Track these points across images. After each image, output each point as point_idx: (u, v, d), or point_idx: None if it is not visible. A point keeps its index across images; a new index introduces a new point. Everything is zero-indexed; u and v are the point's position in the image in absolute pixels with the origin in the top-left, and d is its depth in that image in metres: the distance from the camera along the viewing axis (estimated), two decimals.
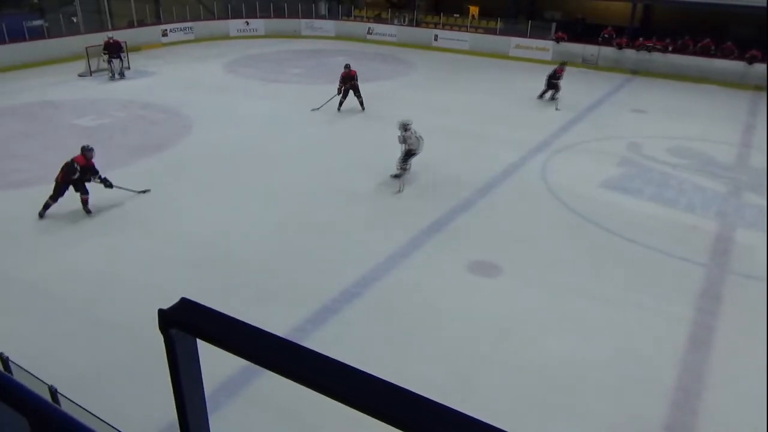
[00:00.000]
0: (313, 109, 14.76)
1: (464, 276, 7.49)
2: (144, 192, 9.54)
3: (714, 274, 7.85)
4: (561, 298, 7.07)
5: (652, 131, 14.07)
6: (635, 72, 21.01)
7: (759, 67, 19.39)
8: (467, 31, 24.57)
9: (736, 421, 5.33)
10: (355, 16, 27.71)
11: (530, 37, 23.23)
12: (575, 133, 13.71)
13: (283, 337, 1.11)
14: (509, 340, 6.31)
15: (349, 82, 14.43)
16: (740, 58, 19.78)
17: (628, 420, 5.29)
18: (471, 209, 9.49)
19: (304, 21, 26.84)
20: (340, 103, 14.66)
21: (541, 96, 16.66)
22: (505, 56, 23.18)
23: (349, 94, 14.54)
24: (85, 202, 8.78)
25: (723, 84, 19.56)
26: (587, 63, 21.84)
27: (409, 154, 10.14)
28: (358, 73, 14.55)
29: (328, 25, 26.94)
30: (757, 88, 18.96)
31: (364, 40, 25.97)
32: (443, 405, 0.93)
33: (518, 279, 7.47)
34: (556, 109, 15.71)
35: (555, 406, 5.41)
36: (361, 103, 14.77)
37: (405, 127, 10.03)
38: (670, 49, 20.90)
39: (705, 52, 20.47)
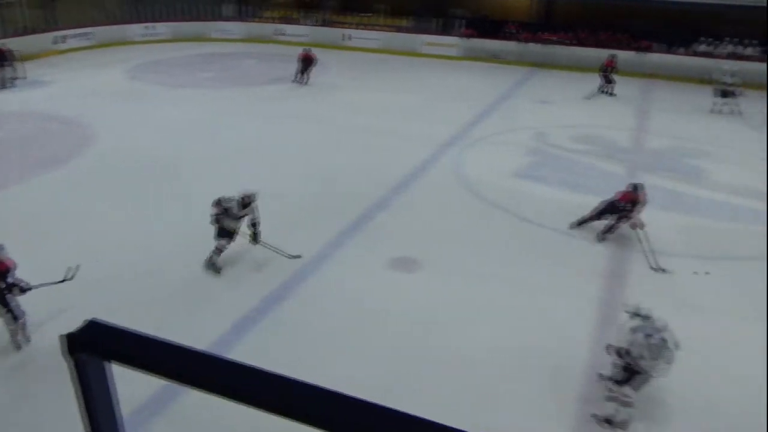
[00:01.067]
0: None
1: (386, 273, 7.59)
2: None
3: (618, 254, 8.36)
4: (481, 287, 7.32)
5: (557, 121, 14.78)
6: (540, 65, 21.95)
7: (650, 56, 20.80)
8: (378, 30, 24.80)
9: (650, 395, 5.71)
10: (264, 18, 27.24)
11: (439, 34, 23.77)
12: (486, 126, 14.18)
13: (204, 351, 1.10)
14: (434, 332, 6.46)
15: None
16: (633, 48, 21.14)
17: (552, 400, 5.56)
18: (389, 207, 9.61)
19: (212, 24, 26.10)
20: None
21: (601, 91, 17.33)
22: (416, 54, 23.56)
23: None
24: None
25: (619, 73, 20.78)
26: (497, 58, 22.59)
27: (223, 233, 7.37)
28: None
29: (238, 28, 26.32)
30: (650, 75, 20.31)
31: (275, 42, 25.61)
32: (373, 403, 0.94)
33: (439, 272, 7.65)
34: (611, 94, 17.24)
35: (485, 395, 5.59)
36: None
37: (244, 202, 7.36)
38: (570, 42, 22.03)
39: (602, 44, 21.69)
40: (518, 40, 22.58)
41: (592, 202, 9.85)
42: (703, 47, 20.75)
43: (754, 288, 7.46)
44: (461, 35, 23.46)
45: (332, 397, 0.95)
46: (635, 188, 8.52)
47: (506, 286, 7.35)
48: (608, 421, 5.17)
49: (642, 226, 8.17)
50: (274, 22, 26.50)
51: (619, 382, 5.10)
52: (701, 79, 18.46)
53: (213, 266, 7.41)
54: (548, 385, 5.73)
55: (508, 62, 22.33)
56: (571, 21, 23.24)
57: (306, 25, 25.97)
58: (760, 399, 5.55)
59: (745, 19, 20.55)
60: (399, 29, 24.70)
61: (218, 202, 7.25)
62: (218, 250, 7.40)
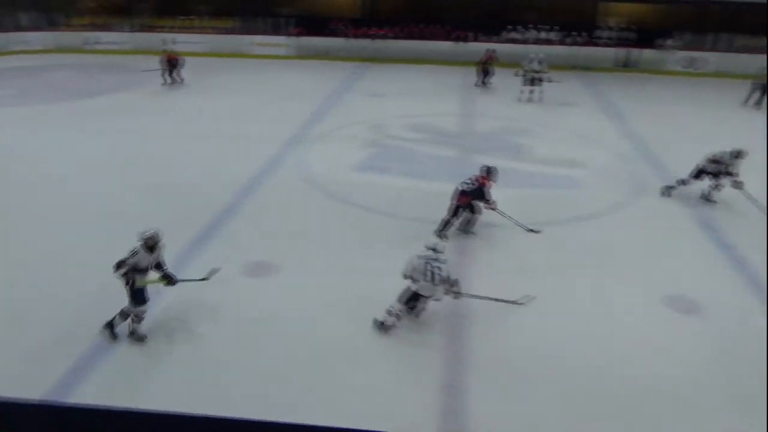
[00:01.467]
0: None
1: (244, 281, 7.42)
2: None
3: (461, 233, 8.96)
4: (340, 282, 7.43)
5: (391, 112, 15.39)
6: (370, 60, 22.64)
7: (466, 46, 22.38)
8: (203, 33, 23.91)
9: (493, 355, 6.22)
10: (72, 26, 24.97)
11: (268, 34, 23.53)
12: (324, 123, 14.36)
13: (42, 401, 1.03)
14: (299, 333, 6.45)
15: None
16: (452, 39, 22.63)
17: (423, 392, 5.84)
18: (239, 211, 9.39)
19: (10, 35, 23.38)
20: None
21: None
22: (245, 55, 23.12)
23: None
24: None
25: (441, 63, 22.14)
26: (328, 55, 22.87)
27: (140, 296, 6.17)
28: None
29: (42, 38, 23.87)
30: (466, 63, 21.85)
31: (90, 51, 23.64)
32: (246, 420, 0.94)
33: (297, 273, 7.63)
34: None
35: (350, 387, 5.71)
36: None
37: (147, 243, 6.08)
38: (396, 36, 23.01)
39: (425, 36, 22.95)
40: (347, 36, 23.09)
41: (432, 187, 10.43)
42: (512, 34, 22.76)
43: (577, 246, 8.42)
44: (290, 34, 23.43)
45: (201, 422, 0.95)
46: (488, 171, 8.69)
47: (363, 276, 7.53)
48: (382, 324, 6.44)
49: (494, 206, 8.52)
50: (84, 30, 24.43)
51: (404, 301, 6.37)
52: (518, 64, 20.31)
53: (140, 338, 6.24)
54: (410, 374, 6.00)
55: (339, 59, 22.75)
56: (395, 15, 24.25)
57: (123, 32, 24.28)
58: (592, 350, 6.31)
59: (548, 6, 22.97)
60: (225, 31, 24.04)
61: (122, 263, 5.99)
62: (139, 319, 6.21)
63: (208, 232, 8.66)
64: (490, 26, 22.90)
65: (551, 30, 22.56)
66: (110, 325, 6.24)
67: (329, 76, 20.06)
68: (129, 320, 6.24)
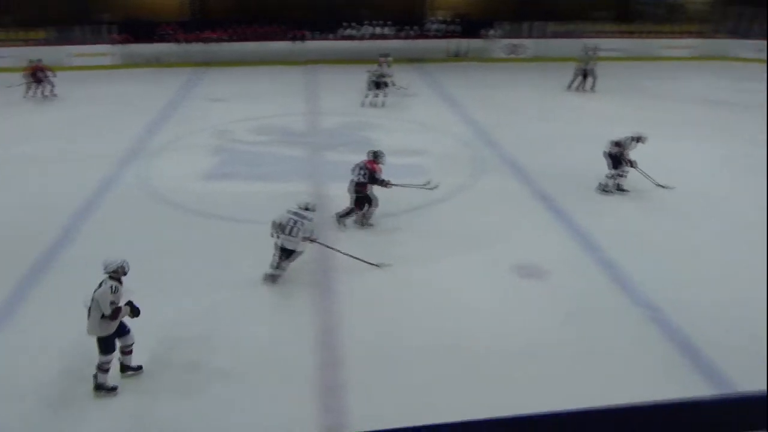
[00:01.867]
0: None
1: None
2: None
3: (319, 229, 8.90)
4: (201, 297, 7.02)
5: (233, 116, 14.90)
6: (206, 64, 21.74)
7: (304, 45, 22.35)
8: (11, 46, 21.41)
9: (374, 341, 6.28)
10: None
11: (88, 43, 21.66)
12: (164, 133, 13.55)
13: None
14: (184, 358, 6.00)
15: None
16: (289, 39, 22.43)
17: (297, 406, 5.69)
18: (77, 237, 8.51)
19: None
20: None
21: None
22: (64, 67, 21.04)
23: None
24: None
25: (281, 63, 21.88)
26: (159, 62, 21.57)
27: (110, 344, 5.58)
28: None
29: None
30: (308, 62, 21.83)
31: None
32: None
33: (159, 294, 7.07)
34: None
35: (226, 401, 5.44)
36: None
37: None
38: (229, 38, 22.29)
39: (262, 37, 22.51)
40: (177, 40, 21.97)
41: (286, 187, 10.25)
42: (348, 31, 23.10)
43: (431, 228, 8.76)
44: (113, 41, 21.78)
45: None
46: (375, 155, 8.89)
47: (226, 291, 7.19)
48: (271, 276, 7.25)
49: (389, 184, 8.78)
50: None
51: (282, 258, 7.19)
52: (358, 60, 20.66)
53: (109, 389, 5.49)
54: (282, 382, 5.85)
55: (172, 65, 21.60)
56: (227, 17, 23.50)
57: None
58: (450, 321, 6.59)
59: (379, 2, 23.61)
60: (38, 42, 21.73)
61: (118, 309, 5.31)
62: (105, 369, 5.46)
63: (40, 265, 7.76)
64: (326, 24, 23.06)
65: (385, 25, 23.23)
66: (99, 386, 5.48)
67: (163, 83, 18.96)
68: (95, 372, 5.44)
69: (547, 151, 12.28)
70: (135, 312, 5.46)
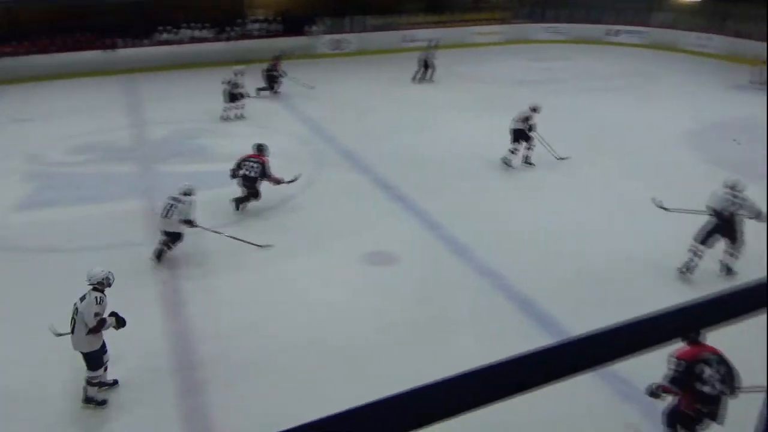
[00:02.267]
0: None
1: None
2: None
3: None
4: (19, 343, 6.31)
5: (47, 137, 13.45)
6: (6, 81, 19.28)
7: (116, 53, 20.75)
8: None
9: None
10: None
11: None
12: None
13: None
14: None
15: None
16: (99, 47, 20.67)
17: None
18: None
19: None
20: None
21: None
22: None
23: None
24: None
25: (93, 74, 20.13)
26: None
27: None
28: None
29: None
30: (123, 71, 20.33)
31: None
32: None
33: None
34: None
35: None
36: None
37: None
38: (28, 51, 19.98)
39: (70, 47, 20.44)
40: None
41: (116, 208, 9.55)
42: (164, 36, 21.88)
43: (283, 228, 8.69)
44: None
45: None
46: (259, 148, 9.23)
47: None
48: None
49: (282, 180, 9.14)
50: None
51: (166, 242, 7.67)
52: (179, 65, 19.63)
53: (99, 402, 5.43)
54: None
55: None
56: (21, 27, 20.96)
57: None
58: (306, 314, 6.64)
59: (195, 4, 22.56)
60: None
61: (104, 321, 5.23)
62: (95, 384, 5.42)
63: None
64: (140, 29, 21.59)
65: (204, 27, 22.35)
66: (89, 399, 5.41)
67: None
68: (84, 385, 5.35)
69: (382, 141, 12.74)
70: (120, 323, 5.36)
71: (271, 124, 14.16)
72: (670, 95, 16.98)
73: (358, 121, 14.46)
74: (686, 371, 4.36)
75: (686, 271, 7.32)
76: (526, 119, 10.84)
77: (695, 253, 7.23)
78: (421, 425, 0.79)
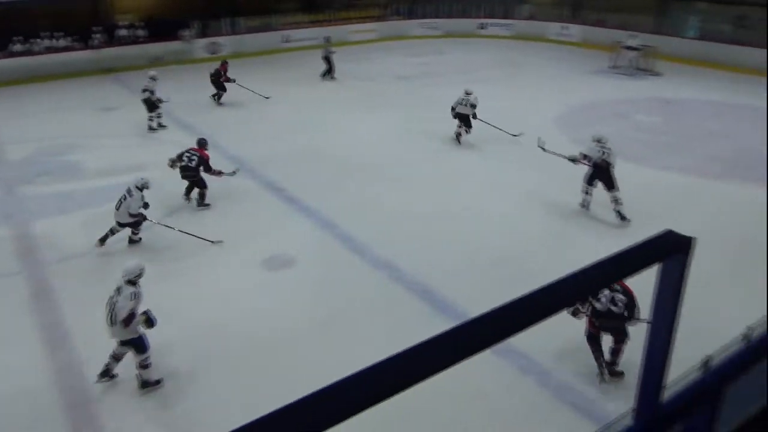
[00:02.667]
0: None
1: None
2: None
3: (36, 274, 7.76)
4: None
5: None
6: None
7: None
8: None
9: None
10: None
11: None
12: None
13: None
14: None
15: None
16: None
17: None
18: None
19: None
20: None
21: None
22: None
23: None
24: None
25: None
26: None
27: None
28: None
29: None
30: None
31: None
32: None
33: None
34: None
35: None
36: None
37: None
38: None
39: None
40: None
41: None
42: (18, 47, 20.04)
43: (174, 240, 8.30)
44: None
45: None
46: (200, 142, 9.55)
47: None
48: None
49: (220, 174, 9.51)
50: None
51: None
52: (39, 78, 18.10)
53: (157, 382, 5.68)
54: None
55: None
56: None
57: None
58: (212, 321, 6.41)
59: (57, 11, 20.87)
60: None
61: (133, 315, 5.37)
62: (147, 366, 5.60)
63: None
64: None
65: (67, 36, 20.69)
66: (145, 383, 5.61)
67: None
68: (137, 372, 5.56)
69: (270, 144, 12.53)
70: (150, 323, 5.40)
71: (153, 135, 13.44)
72: (538, 82, 18.10)
73: (243, 124, 14.11)
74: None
75: (584, 206, 9.02)
76: (464, 103, 12.12)
77: (586, 192, 8.92)
78: (333, 423, 0.79)
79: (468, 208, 9.30)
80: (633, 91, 16.87)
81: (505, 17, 26.50)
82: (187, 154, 9.35)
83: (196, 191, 9.65)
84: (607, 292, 5.30)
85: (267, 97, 16.05)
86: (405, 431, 4.99)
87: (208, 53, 22.38)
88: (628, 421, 1.31)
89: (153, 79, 13.36)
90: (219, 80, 15.84)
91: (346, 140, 12.74)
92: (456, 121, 12.26)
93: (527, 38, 25.27)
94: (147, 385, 5.61)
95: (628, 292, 5.32)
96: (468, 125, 12.18)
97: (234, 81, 15.67)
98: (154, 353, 5.67)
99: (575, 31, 24.45)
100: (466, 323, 0.97)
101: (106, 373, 5.63)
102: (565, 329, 5.77)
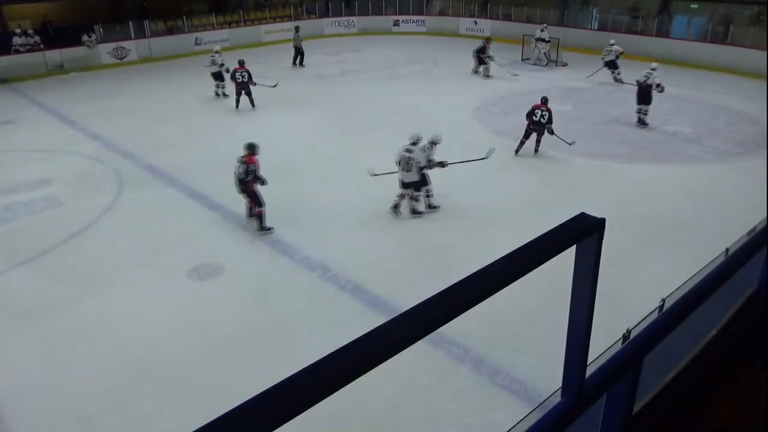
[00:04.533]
0: None
1: None
2: None
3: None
4: None
5: None
6: None
7: None
8: None
9: None
10: None
11: None
12: None
13: None
14: None
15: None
16: None
17: None
18: None
19: None
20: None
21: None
22: None
23: None
24: None
25: None
26: None
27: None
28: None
29: None
30: None
31: None
32: None
33: None
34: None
35: None
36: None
37: None
38: None
39: None
40: None
41: None
42: None
43: (93, 256, 7.88)
44: None
45: None
46: (249, 147, 8.38)
47: None
48: None
49: None
50: None
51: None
52: None
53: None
54: None
55: None
56: None
57: None
58: (137, 337, 6.15)
59: None
60: None
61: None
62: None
63: None
64: None
65: None
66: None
67: None
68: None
69: (187, 149, 12.15)
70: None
71: (55, 147, 12.68)
72: (453, 76, 18.52)
73: (157, 131, 13.57)
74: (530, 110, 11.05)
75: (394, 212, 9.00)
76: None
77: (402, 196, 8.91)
78: (275, 426, 0.79)
79: (389, 202, 9.39)
80: (545, 81, 17.59)
81: (417, 14, 26.95)
82: (237, 163, 8.33)
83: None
84: (537, 110, 10.72)
85: (274, 85, 15.73)
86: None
87: (114, 59, 21.38)
88: (557, 398, 1.38)
89: (218, 53, 15.92)
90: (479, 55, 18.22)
91: (269, 141, 12.47)
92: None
93: (441, 34, 25.81)
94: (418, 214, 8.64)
95: (548, 110, 10.72)
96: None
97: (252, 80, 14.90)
98: (87, 399, 5.39)
99: (485, 25, 25.20)
100: (398, 317, 0.98)
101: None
102: (497, 316, 5.95)
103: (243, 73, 14.40)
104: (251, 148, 8.37)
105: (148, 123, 14.17)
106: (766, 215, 3.75)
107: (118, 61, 21.37)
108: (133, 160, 11.71)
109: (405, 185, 8.65)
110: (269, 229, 8.53)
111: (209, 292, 7.24)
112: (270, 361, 5.73)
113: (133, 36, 22.04)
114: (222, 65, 15.88)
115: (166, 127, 13.86)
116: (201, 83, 17.15)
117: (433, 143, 8.95)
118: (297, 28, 20.81)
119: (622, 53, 17.14)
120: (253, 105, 14.78)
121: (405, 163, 8.52)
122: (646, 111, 13.06)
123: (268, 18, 25.83)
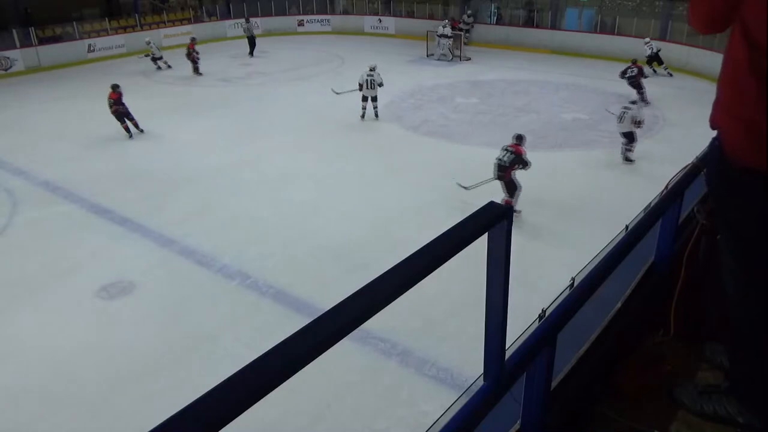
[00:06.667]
0: None
1: None
2: None
3: None
4: None
5: None
6: None
7: None
8: None
9: None
10: None
11: None
12: None
13: None
14: None
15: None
16: None
17: None
18: None
19: None
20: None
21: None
22: None
23: None
24: None
25: None
26: None
27: None
28: None
29: None
30: None
31: None
32: None
33: None
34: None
35: None
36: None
37: None
38: None
39: None
40: None
41: None
42: None
43: None
44: None
45: None
46: (518, 138, 8.68)
47: None
48: None
49: None
50: None
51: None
52: None
53: None
54: None
55: None
56: None
57: None
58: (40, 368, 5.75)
59: None
60: None
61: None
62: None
63: None
64: None
65: None
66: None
67: None
68: None
69: (87, 163, 11.48)
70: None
71: None
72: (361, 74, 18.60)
73: (52, 145, 12.72)
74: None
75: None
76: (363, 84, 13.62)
77: None
78: None
79: (304, 204, 9.33)
80: (450, 76, 18.05)
81: (322, 13, 26.86)
82: (503, 151, 8.60)
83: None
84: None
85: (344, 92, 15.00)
86: None
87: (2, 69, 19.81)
88: (481, 382, 1.42)
89: (247, 20, 20.78)
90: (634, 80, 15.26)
91: (173, 149, 12.10)
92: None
93: (346, 33, 25.87)
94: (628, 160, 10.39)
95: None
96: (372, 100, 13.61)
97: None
98: None
99: (389, 23, 25.53)
100: (321, 316, 0.98)
101: None
102: (422, 308, 6.06)
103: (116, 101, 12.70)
104: (519, 139, 8.74)
105: (41, 137, 13.26)
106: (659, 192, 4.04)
107: (3, 72, 19.84)
108: (26, 177, 10.92)
109: (366, 98, 13.12)
110: (518, 211, 8.64)
111: (121, 311, 6.89)
112: (194, 378, 5.54)
113: (18, 45, 20.50)
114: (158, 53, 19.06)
115: (62, 140, 13.01)
116: (98, 93, 16.22)
117: (373, 69, 13.18)
118: (248, 19, 22.44)
119: (659, 50, 17.24)
120: (138, 129, 13.12)
121: (368, 83, 13.01)
122: (630, 147, 10.93)
123: (166, 22, 24.83)
